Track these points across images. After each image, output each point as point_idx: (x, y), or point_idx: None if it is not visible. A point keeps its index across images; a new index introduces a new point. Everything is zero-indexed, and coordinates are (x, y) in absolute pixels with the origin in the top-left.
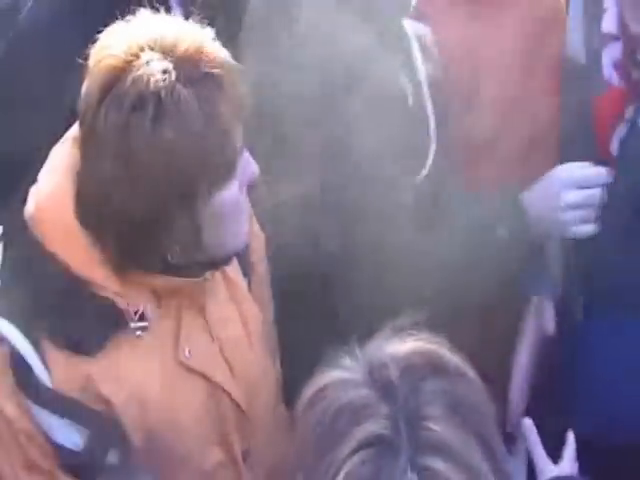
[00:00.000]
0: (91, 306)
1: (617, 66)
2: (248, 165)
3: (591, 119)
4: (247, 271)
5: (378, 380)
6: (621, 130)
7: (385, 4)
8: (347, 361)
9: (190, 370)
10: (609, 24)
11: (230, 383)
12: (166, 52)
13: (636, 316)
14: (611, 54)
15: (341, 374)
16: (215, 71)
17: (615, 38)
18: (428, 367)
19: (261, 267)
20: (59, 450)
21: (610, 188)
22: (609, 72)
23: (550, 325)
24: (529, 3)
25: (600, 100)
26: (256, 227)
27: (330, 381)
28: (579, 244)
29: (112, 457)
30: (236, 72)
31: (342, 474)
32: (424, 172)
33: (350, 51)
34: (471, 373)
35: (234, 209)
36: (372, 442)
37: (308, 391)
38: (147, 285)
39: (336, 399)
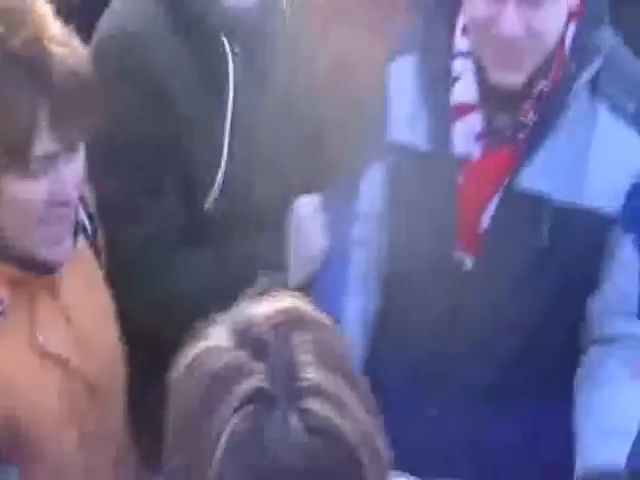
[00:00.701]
0: None
1: (480, 137)
2: (59, 184)
3: (450, 210)
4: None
5: (247, 341)
6: (494, 202)
7: (208, 20)
8: (212, 329)
9: (45, 354)
10: (464, 93)
11: (85, 365)
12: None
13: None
14: (469, 127)
15: (210, 342)
16: (36, 59)
17: (472, 108)
18: (293, 321)
19: None
20: None
21: (478, 269)
22: (467, 146)
23: None
24: None
25: (462, 181)
26: None
27: (200, 351)
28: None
29: None
30: (66, 69)
31: (225, 434)
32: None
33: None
34: (328, 321)
35: (27, 212)
36: (251, 398)
37: (178, 366)
38: None
39: (209, 367)
